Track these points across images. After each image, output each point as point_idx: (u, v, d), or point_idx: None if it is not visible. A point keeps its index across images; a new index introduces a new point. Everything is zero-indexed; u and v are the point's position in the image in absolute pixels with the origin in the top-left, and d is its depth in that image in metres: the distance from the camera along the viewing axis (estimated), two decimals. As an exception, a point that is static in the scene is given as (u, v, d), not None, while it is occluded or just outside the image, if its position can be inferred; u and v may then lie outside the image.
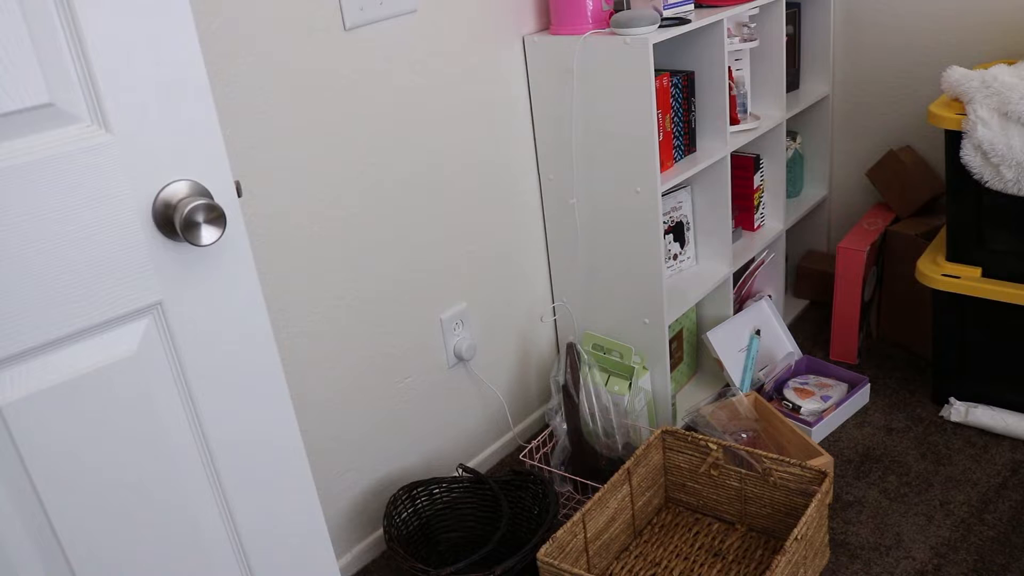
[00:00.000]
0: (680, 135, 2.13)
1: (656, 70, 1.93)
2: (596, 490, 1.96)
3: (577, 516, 1.74)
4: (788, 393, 2.30)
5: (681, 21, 1.96)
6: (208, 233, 0.96)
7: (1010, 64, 2.12)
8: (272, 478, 1.15)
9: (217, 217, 0.96)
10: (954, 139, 1.97)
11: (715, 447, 1.87)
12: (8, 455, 0.93)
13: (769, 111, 2.43)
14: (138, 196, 0.95)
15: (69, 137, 0.90)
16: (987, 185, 1.94)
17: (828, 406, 2.25)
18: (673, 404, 2.26)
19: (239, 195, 1.03)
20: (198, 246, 0.96)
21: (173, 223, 0.95)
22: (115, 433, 0.99)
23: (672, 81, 2.07)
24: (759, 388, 2.33)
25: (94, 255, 0.93)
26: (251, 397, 1.10)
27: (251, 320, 1.07)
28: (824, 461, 1.92)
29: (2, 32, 0.84)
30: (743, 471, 1.86)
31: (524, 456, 2.11)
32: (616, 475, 1.84)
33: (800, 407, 2.24)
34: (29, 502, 0.95)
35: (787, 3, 2.36)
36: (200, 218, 0.95)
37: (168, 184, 0.96)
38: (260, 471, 1.13)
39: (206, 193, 0.99)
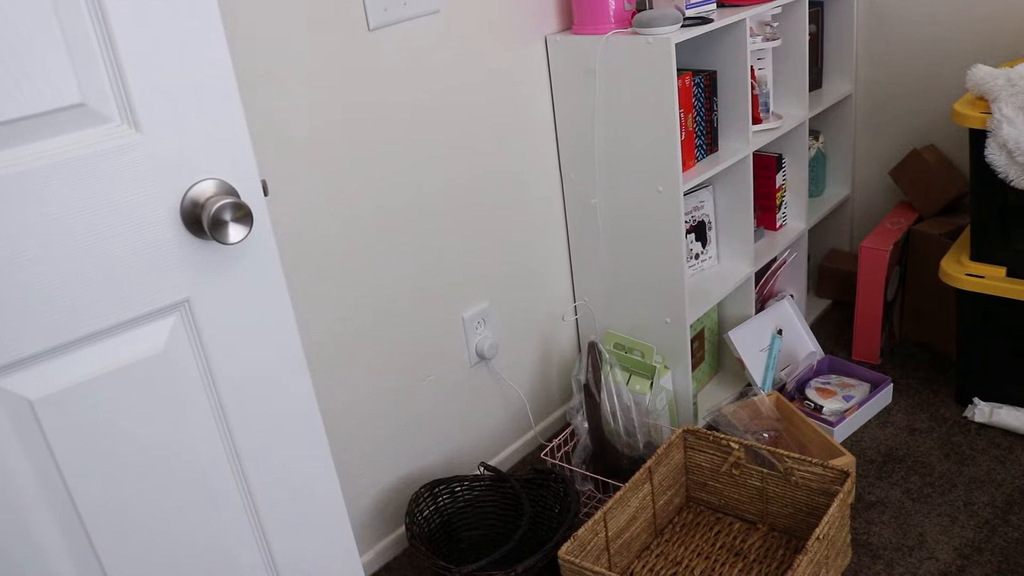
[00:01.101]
0: (702, 134, 2.13)
1: (678, 69, 1.93)
2: (617, 489, 1.96)
3: (598, 515, 1.75)
4: (810, 393, 2.29)
5: (703, 20, 1.96)
6: (235, 231, 0.97)
7: (1036, 62, 2.11)
8: (297, 477, 1.16)
9: (244, 216, 0.97)
10: (979, 138, 1.96)
11: (736, 446, 1.87)
12: (39, 449, 0.94)
13: (792, 110, 2.42)
14: (166, 195, 0.96)
15: (99, 137, 0.92)
16: (1012, 184, 1.93)
17: (850, 406, 2.24)
18: (694, 403, 2.25)
19: (265, 194, 1.04)
20: (225, 244, 0.97)
21: (201, 221, 0.97)
22: (143, 429, 1.01)
23: (694, 80, 2.07)
24: (781, 388, 2.33)
25: (123, 253, 0.95)
26: (276, 394, 1.11)
27: (277, 317, 1.09)
28: (846, 461, 1.92)
29: (36, 32, 0.86)
30: (765, 470, 1.86)
31: (545, 455, 2.11)
32: (637, 474, 1.85)
33: (822, 407, 2.23)
34: (60, 496, 0.97)
35: (810, 2, 2.36)
36: (227, 216, 0.96)
37: (196, 183, 0.98)
38: (285, 469, 1.14)
39: (233, 192, 1.00)
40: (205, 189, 0.98)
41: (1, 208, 0.87)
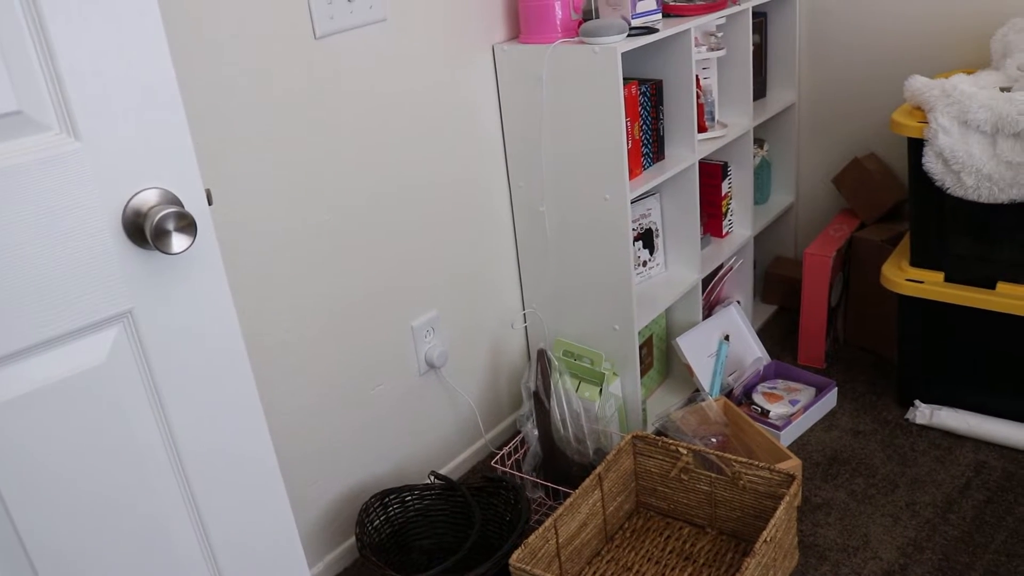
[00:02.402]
0: (649, 143, 2.16)
1: (624, 79, 1.95)
2: (568, 496, 1.97)
3: (549, 522, 1.75)
4: (757, 398, 2.32)
5: (649, 30, 1.98)
6: (179, 241, 0.96)
7: (969, 73, 2.17)
8: (244, 487, 1.15)
9: (188, 225, 0.96)
10: (916, 147, 2.01)
11: (685, 452, 1.89)
12: (-24, 465, 0.92)
13: (736, 119, 2.45)
14: (108, 204, 0.95)
15: (38, 145, 0.90)
16: (948, 192, 1.98)
17: (796, 410, 2.27)
18: (643, 409, 2.27)
19: (210, 203, 1.03)
20: (169, 254, 0.96)
21: (143, 231, 0.95)
22: (84, 443, 0.99)
23: (640, 89, 2.09)
24: (728, 393, 2.35)
25: (63, 264, 0.93)
26: (222, 405, 1.10)
27: (222, 328, 1.07)
28: (792, 464, 1.94)
29: (-30, 40, 0.84)
30: (713, 475, 1.88)
31: (496, 463, 2.11)
32: (587, 480, 1.85)
33: (769, 411, 2.26)
34: (-2, 512, 0.95)
35: (753, 13, 2.39)
36: (171, 226, 0.95)
37: (138, 192, 0.96)
38: (231, 480, 1.13)
39: (176, 201, 0.99)
40: (148, 198, 0.97)
41: (-65, 218, 0.85)
